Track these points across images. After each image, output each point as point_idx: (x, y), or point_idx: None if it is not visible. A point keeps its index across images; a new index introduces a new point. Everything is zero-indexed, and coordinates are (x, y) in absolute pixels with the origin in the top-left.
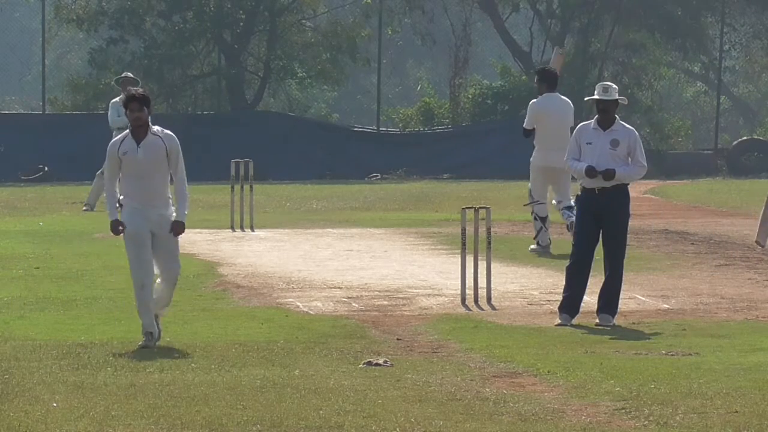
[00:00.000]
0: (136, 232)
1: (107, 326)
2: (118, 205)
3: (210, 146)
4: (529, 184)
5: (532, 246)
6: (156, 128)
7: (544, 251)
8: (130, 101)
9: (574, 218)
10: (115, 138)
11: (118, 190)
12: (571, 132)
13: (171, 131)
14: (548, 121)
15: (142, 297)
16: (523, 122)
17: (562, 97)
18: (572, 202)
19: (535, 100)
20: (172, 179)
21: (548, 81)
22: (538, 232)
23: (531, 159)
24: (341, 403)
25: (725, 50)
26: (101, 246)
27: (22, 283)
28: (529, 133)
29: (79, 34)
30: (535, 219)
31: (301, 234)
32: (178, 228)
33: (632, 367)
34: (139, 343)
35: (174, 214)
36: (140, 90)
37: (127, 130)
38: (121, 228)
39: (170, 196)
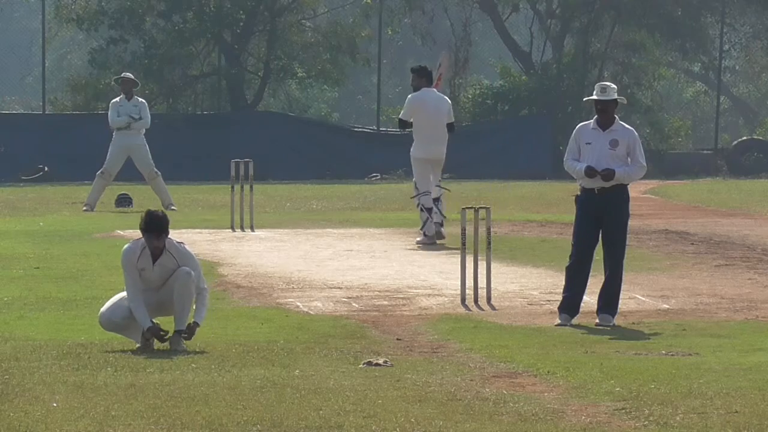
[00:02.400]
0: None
1: None
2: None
3: (210, 146)
4: (414, 178)
5: (418, 238)
6: (170, 244)
7: (430, 241)
8: (148, 229)
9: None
10: (129, 247)
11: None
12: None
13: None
14: (426, 115)
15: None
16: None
17: (438, 93)
18: (439, 194)
19: (412, 94)
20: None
21: (426, 76)
22: (425, 223)
23: (411, 152)
24: (341, 403)
25: (725, 50)
26: (101, 246)
27: (22, 283)
28: (405, 125)
29: (79, 34)
30: (422, 210)
31: (301, 234)
32: (192, 329)
33: (632, 367)
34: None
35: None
36: (159, 214)
37: (143, 243)
38: (162, 333)
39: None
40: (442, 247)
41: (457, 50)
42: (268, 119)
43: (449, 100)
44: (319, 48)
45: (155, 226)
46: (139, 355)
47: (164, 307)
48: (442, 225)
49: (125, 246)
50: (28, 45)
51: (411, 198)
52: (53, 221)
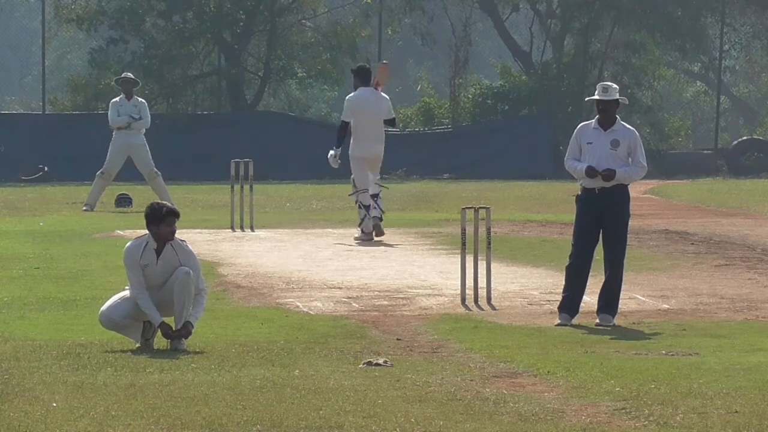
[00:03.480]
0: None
1: None
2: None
3: (210, 146)
4: (352, 175)
5: (356, 234)
6: (175, 241)
7: (368, 238)
8: (168, 215)
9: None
10: (131, 245)
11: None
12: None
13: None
14: (364, 114)
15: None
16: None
17: (378, 92)
18: (377, 190)
19: (350, 95)
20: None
21: (362, 77)
22: (362, 220)
23: (350, 151)
24: (341, 403)
25: (725, 50)
26: (101, 246)
27: (22, 283)
28: (347, 126)
29: (79, 34)
30: (360, 207)
31: (301, 234)
32: (186, 329)
33: (632, 367)
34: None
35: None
36: (167, 203)
37: (145, 238)
38: (171, 331)
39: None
40: (442, 247)
41: (457, 50)
42: (268, 119)
43: (388, 98)
44: (319, 48)
45: (172, 211)
46: (139, 355)
47: (165, 307)
48: (381, 220)
49: (127, 244)
50: (28, 45)
51: (349, 195)
52: (53, 221)
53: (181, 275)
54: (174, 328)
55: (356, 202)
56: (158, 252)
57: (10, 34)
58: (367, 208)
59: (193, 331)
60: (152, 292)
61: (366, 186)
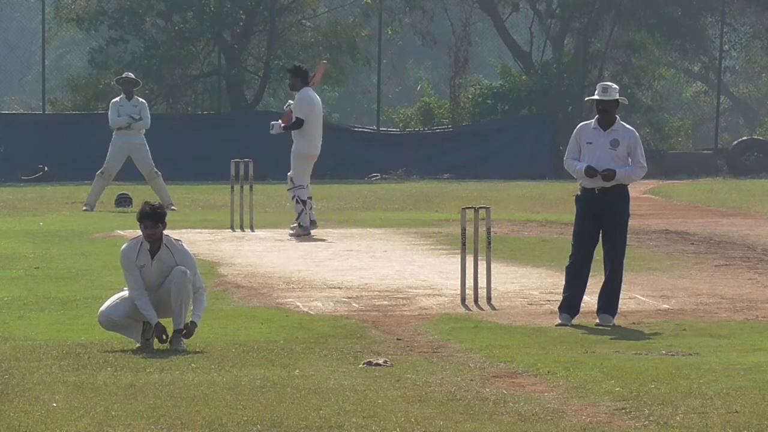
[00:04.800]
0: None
1: None
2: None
3: (210, 146)
4: (291, 171)
5: (293, 224)
6: (168, 240)
7: (304, 232)
8: (143, 218)
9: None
10: (126, 247)
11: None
12: None
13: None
14: (315, 114)
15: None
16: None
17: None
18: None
19: (301, 92)
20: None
21: (302, 77)
22: (299, 214)
23: (299, 148)
24: (341, 403)
25: (725, 50)
26: (101, 246)
27: (22, 283)
28: (302, 123)
29: (79, 34)
30: (297, 202)
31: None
32: (190, 329)
33: (632, 367)
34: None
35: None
36: (154, 204)
37: (140, 240)
38: (164, 336)
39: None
40: (442, 247)
41: (457, 50)
42: (268, 119)
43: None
44: (319, 48)
45: (150, 215)
46: (139, 355)
47: (163, 307)
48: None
49: (123, 246)
50: (28, 45)
51: (288, 190)
52: (53, 221)
53: (178, 275)
54: (172, 330)
55: (293, 198)
56: (152, 252)
57: (10, 34)
58: (305, 203)
59: (196, 331)
60: (149, 293)
61: (305, 183)
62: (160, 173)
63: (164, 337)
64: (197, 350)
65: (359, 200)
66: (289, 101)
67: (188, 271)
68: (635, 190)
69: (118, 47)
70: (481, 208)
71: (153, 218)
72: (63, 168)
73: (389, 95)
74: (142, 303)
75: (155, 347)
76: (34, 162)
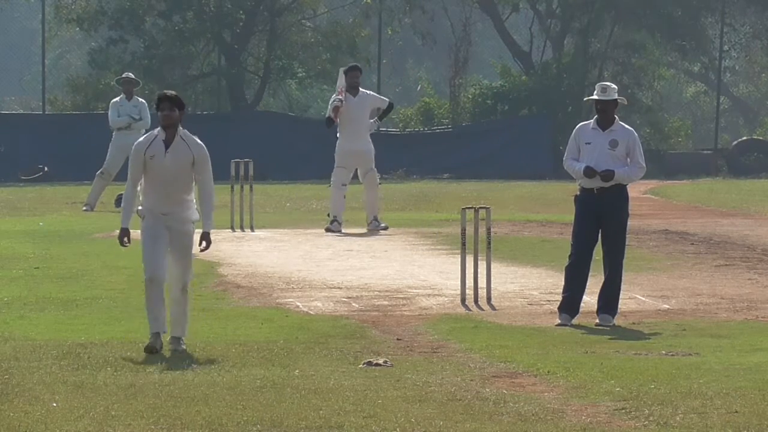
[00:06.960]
0: (154, 225)
1: (107, 326)
2: (137, 210)
3: (210, 146)
4: (373, 165)
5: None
6: (184, 133)
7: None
8: (161, 101)
9: None
10: (141, 138)
11: (140, 194)
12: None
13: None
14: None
15: (149, 293)
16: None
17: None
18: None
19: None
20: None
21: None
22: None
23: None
24: (341, 403)
25: (725, 50)
26: (101, 246)
27: (22, 283)
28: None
29: (79, 34)
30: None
31: (301, 234)
32: (206, 240)
33: (632, 367)
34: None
35: (194, 216)
36: (172, 92)
37: (155, 132)
38: (126, 240)
39: (193, 199)
40: (442, 247)
41: (457, 50)
42: (268, 119)
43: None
44: (319, 48)
45: (168, 97)
46: (139, 355)
47: (171, 201)
48: None
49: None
50: (28, 45)
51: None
52: (53, 221)
53: (185, 275)
54: (170, 334)
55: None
56: (167, 143)
57: (10, 34)
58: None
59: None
60: (163, 186)
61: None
62: None
63: (126, 240)
64: (197, 350)
65: (359, 200)
66: (337, 96)
67: (189, 287)
68: (635, 190)
69: (118, 47)
70: (481, 208)
71: (171, 100)
72: (63, 168)
73: (389, 95)
74: (129, 196)
75: (156, 348)
76: (34, 162)
